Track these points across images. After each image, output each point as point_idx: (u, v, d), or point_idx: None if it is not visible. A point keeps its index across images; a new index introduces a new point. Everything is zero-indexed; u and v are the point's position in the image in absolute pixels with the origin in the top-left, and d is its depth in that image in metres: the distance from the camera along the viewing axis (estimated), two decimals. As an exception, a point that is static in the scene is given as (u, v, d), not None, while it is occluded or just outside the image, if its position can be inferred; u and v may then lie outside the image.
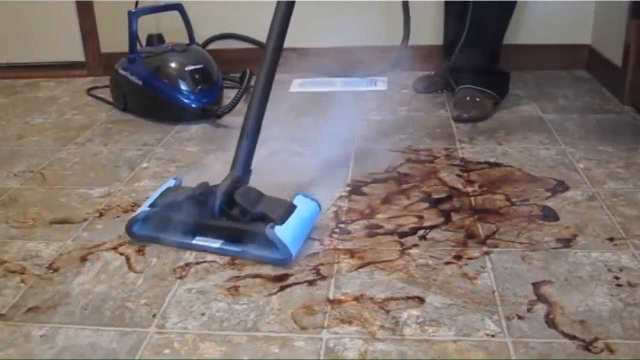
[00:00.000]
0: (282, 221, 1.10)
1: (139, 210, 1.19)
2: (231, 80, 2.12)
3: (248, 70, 1.81)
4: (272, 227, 1.08)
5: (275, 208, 1.13)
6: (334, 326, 0.93)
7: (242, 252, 1.12)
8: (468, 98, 1.82)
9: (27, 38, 2.42)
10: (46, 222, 1.28)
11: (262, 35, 2.20)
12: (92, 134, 1.80)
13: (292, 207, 1.14)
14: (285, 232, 1.08)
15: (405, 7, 2.10)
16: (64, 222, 1.28)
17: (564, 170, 1.44)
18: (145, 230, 1.18)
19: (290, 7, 1.26)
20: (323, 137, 1.68)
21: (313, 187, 1.37)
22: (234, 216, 1.14)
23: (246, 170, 1.21)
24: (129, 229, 1.17)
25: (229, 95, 1.91)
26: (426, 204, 1.30)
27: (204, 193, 1.17)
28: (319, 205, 1.20)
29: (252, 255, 1.11)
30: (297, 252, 1.10)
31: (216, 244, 1.13)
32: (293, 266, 1.08)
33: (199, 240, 1.15)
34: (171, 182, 1.25)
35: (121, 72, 1.96)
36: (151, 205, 1.18)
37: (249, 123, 1.22)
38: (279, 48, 1.25)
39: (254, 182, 1.22)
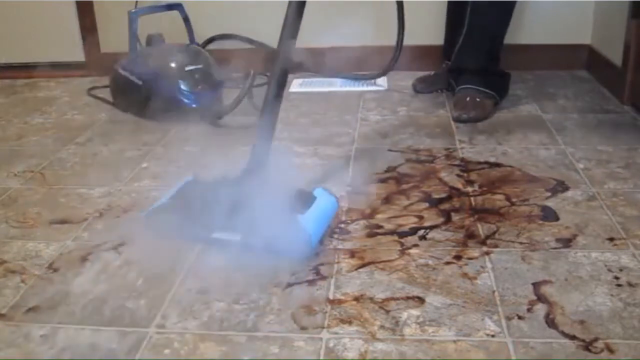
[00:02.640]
0: (303, 211, 1.10)
1: (157, 202, 1.22)
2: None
3: (252, 71, 1.81)
4: (295, 216, 1.08)
5: (297, 197, 1.14)
6: (334, 326, 0.93)
7: (262, 244, 1.08)
8: (468, 98, 1.81)
9: (27, 38, 2.42)
10: (46, 222, 1.28)
11: (261, 36, 2.23)
12: (92, 134, 1.80)
13: (312, 198, 1.15)
14: (306, 221, 1.09)
15: (400, 7, 1.94)
16: (64, 222, 1.28)
17: (564, 170, 1.44)
18: (164, 223, 1.18)
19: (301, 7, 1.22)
20: (323, 137, 1.68)
21: (313, 187, 1.37)
22: (254, 207, 1.11)
23: (264, 163, 1.21)
24: (146, 220, 1.19)
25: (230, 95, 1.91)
26: (426, 204, 1.30)
27: (222, 184, 1.17)
28: (337, 201, 1.22)
29: (272, 247, 1.08)
30: (316, 243, 1.12)
31: (236, 236, 1.11)
32: (292, 266, 1.08)
33: (219, 234, 1.13)
34: (189, 178, 1.25)
35: (121, 72, 1.96)
36: (170, 198, 1.20)
37: (263, 122, 1.22)
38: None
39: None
